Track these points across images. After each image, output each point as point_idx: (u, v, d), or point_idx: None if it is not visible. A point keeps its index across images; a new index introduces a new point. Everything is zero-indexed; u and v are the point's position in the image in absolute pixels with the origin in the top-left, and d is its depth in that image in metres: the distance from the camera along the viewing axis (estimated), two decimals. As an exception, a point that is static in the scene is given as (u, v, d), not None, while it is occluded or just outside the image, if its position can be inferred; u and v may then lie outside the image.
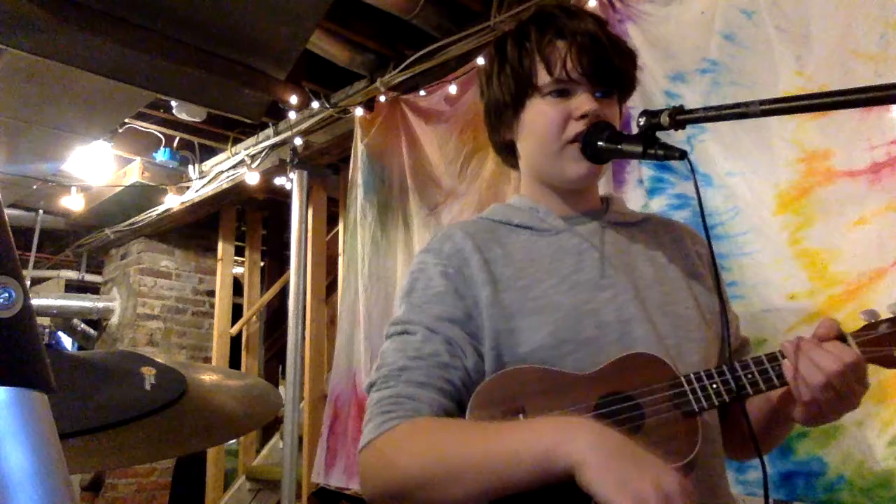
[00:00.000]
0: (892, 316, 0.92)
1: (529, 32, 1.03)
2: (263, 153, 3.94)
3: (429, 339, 0.94)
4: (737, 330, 1.14)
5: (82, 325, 5.74)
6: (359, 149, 3.14)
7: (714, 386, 0.90)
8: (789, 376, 0.89)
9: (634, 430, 0.87)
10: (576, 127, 1.00)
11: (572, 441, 0.76)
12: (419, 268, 1.03)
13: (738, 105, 0.88)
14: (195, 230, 5.25)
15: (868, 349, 0.90)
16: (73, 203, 4.79)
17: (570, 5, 1.07)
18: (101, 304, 5.30)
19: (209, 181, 4.35)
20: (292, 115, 3.59)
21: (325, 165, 3.78)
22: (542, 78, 1.01)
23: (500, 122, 1.10)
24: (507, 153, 1.14)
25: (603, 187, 1.15)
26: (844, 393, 0.87)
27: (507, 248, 1.03)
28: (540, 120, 1.03)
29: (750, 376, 0.90)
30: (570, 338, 0.93)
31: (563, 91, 1.01)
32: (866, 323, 0.93)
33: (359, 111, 3.18)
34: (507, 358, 0.94)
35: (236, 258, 5.22)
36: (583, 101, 0.99)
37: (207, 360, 5.03)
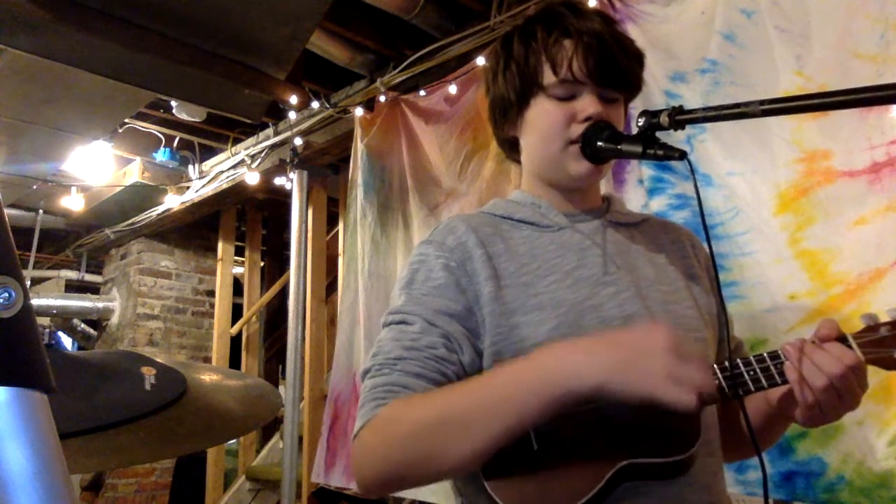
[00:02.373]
0: (891, 319, 0.93)
1: (536, 31, 1.03)
2: (263, 153, 3.95)
3: (427, 331, 0.94)
4: (732, 331, 1.14)
5: (82, 325, 5.74)
6: (359, 149, 3.15)
7: (716, 382, 0.90)
8: (792, 378, 0.89)
9: None
10: (579, 129, 0.99)
11: (578, 368, 0.80)
12: (420, 259, 1.02)
13: (738, 105, 0.88)
14: (195, 230, 5.26)
15: (868, 350, 0.91)
16: (73, 203, 4.80)
17: (577, 3, 1.06)
18: (101, 304, 5.30)
19: (209, 181, 4.35)
20: (292, 115, 3.59)
21: (325, 165, 3.79)
22: (548, 77, 1.01)
23: (504, 118, 1.10)
24: (510, 148, 1.14)
25: (603, 187, 1.15)
26: (845, 394, 0.88)
27: (510, 243, 1.02)
28: (544, 119, 1.03)
29: (752, 373, 0.91)
30: (572, 333, 0.93)
31: (568, 91, 1.01)
32: (866, 325, 0.94)
33: (359, 111, 3.18)
34: (509, 354, 0.94)
35: (236, 258, 5.21)
36: (588, 104, 0.99)
37: (207, 360, 5.03)
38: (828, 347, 0.89)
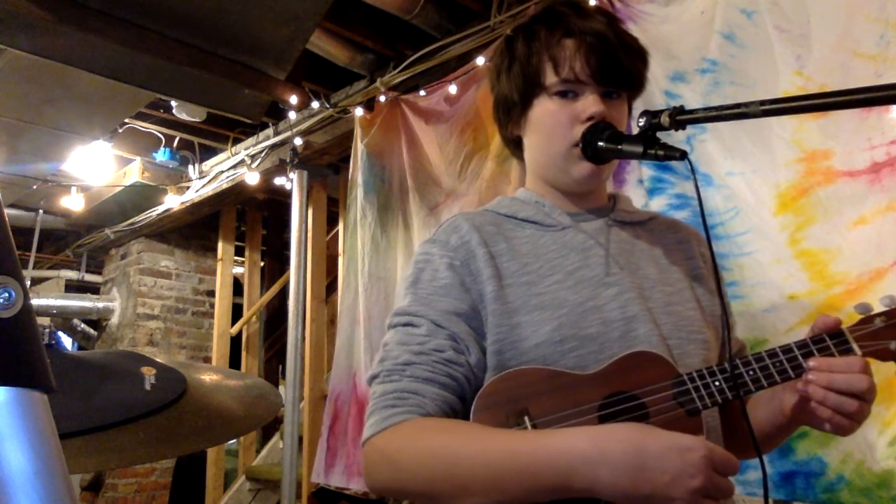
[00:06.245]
0: (885, 309, 0.93)
1: (538, 30, 1.03)
2: (263, 153, 3.95)
3: (434, 333, 0.94)
4: (734, 333, 1.14)
5: (82, 325, 5.74)
6: (359, 149, 3.14)
7: (717, 383, 0.90)
8: (825, 416, 0.88)
9: None
10: (582, 129, 1.00)
11: (595, 471, 0.77)
12: (425, 258, 1.02)
13: (738, 105, 0.88)
14: (195, 230, 5.26)
15: (865, 344, 0.91)
16: (73, 203, 4.79)
17: (579, 3, 1.06)
18: (101, 304, 5.30)
19: (209, 181, 4.35)
20: (292, 115, 3.59)
21: (325, 165, 3.79)
22: (550, 77, 1.01)
23: (507, 117, 1.10)
24: (514, 147, 1.15)
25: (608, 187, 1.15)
26: (871, 398, 0.89)
27: (513, 242, 1.03)
28: (547, 120, 1.03)
29: (752, 373, 0.91)
30: (573, 334, 0.93)
31: (570, 91, 1.01)
32: (862, 317, 0.93)
33: (359, 111, 3.18)
34: (510, 353, 0.94)
35: (236, 258, 5.21)
36: (589, 103, 0.99)
37: (207, 360, 5.03)
38: (841, 367, 0.88)
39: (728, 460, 0.78)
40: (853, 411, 0.87)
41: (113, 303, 5.28)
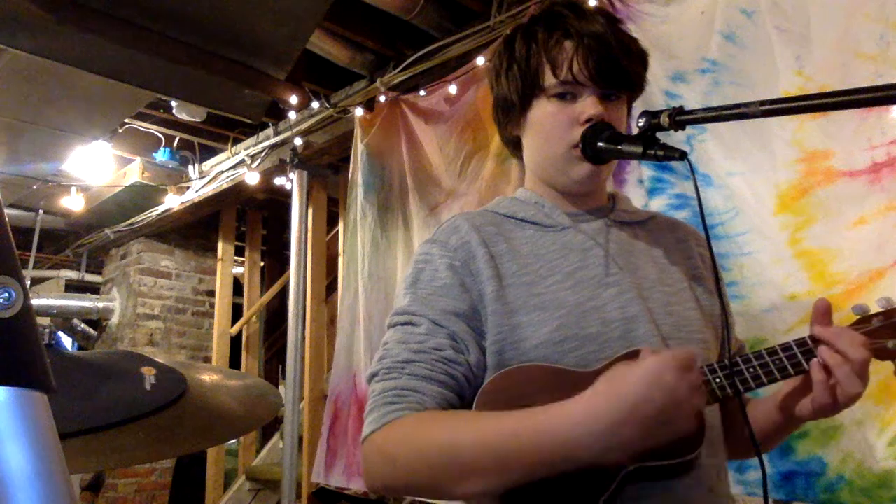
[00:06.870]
0: (882, 310, 0.93)
1: (537, 31, 1.03)
2: (263, 153, 3.95)
3: (433, 332, 0.94)
4: (734, 332, 1.14)
5: (82, 325, 5.74)
6: (359, 149, 3.14)
7: (717, 381, 0.90)
8: (830, 358, 0.89)
9: None
10: (581, 130, 1.00)
11: (600, 452, 0.77)
12: (424, 258, 1.03)
13: (738, 105, 0.88)
14: (195, 230, 5.25)
15: None
16: (73, 203, 4.79)
17: (579, 4, 1.06)
18: (101, 304, 5.30)
19: (209, 181, 4.35)
20: (292, 115, 3.59)
21: (325, 165, 3.79)
22: (548, 79, 1.01)
23: (507, 118, 1.11)
24: (514, 147, 1.15)
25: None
26: (865, 377, 0.89)
27: (513, 243, 1.03)
28: (545, 121, 1.03)
29: (752, 370, 0.91)
30: (573, 334, 0.93)
31: (569, 92, 1.01)
32: (859, 317, 0.94)
33: (359, 111, 3.18)
34: (510, 354, 0.94)
35: (236, 258, 5.21)
36: (588, 105, 0.99)
37: (207, 360, 5.03)
38: (845, 335, 0.89)
39: (685, 356, 0.78)
40: (851, 379, 0.87)
41: (113, 303, 5.28)
